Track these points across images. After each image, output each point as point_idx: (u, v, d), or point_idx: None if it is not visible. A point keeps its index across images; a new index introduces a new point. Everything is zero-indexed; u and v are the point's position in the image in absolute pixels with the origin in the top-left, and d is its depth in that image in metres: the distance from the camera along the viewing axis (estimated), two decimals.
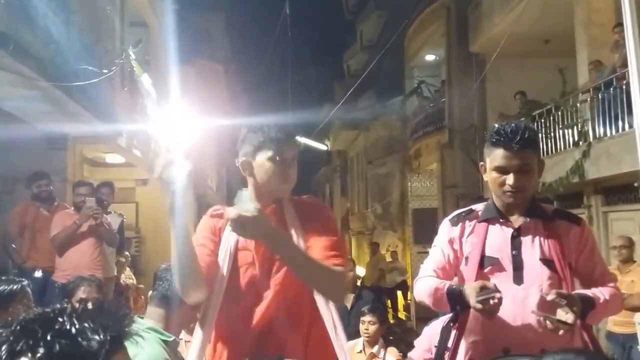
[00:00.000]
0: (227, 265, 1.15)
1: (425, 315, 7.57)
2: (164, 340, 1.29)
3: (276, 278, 1.14)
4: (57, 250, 3.03)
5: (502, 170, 1.23)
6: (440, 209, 8.67)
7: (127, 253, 5.03)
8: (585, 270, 1.25)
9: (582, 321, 1.20)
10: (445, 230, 1.34)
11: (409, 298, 9.47)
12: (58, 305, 0.55)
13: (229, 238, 1.18)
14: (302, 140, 1.25)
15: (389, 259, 9.58)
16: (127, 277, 4.71)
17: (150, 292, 1.49)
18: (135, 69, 4.90)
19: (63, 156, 4.32)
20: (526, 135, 1.22)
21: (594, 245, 1.28)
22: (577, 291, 1.21)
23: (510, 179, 1.22)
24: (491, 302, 1.13)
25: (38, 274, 3.09)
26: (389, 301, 9.13)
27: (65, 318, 0.51)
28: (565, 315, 1.11)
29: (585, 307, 1.16)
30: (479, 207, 1.34)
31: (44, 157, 4.07)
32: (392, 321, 9.05)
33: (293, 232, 1.17)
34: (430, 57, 10.77)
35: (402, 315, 9.75)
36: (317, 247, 1.14)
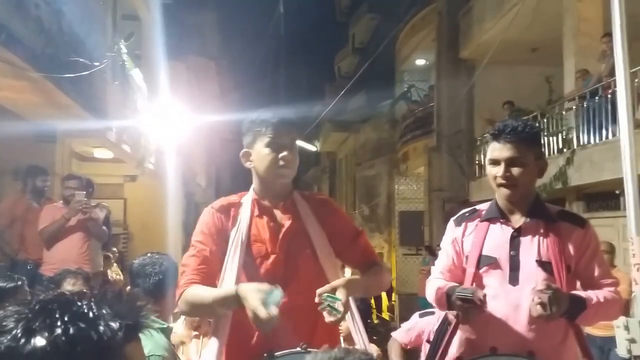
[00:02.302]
0: (239, 260, 1.14)
1: (408, 316, 7.62)
2: (159, 328, 1.34)
3: (290, 268, 1.16)
4: (45, 243, 3.00)
5: (495, 162, 1.25)
6: (426, 212, 8.80)
7: (114, 249, 4.94)
8: (585, 273, 1.24)
9: (573, 321, 1.20)
10: (450, 231, 1.35)
11: (393, 299, 9.58)
12: (78, 291, 0.55)
13: (240, 230, 1.17)
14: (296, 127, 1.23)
15: None
16: (114, 272, 4.64)
17: (129, 288, 1.50)
18: (127, 62, 4.83)
19: (51, 150, 4.23)
20: (520, 129, 1.23)
21: (596, 248, 1.26)
22: (572, 292, 1.20)
23: (500, 169, 1.23)
24: (469, 299, 1.16)
25: (29, 266, 3.04)
26: (373, 301, 9.22)
27: (84, 302, 0.51)
28: (537, 306, 1.11)
29: (576, 308, 1.16)
30: (483, 206, 1.34)
31: (31, 150, 3.98)
32: (376, 321, 9.15)
33: (309, 225, 1.20)
34: (420, 62, 10.92)
35: (385, 315, 9.86)
36: (355, 249, 1.23)
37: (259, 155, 1.18)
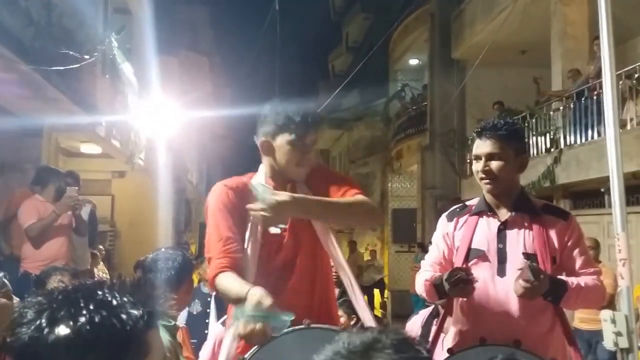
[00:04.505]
0: (259, 243, 1.15)
1: (401, 312, 7.79)
2: (163, 325, 1.31)
3: (297, 249, 1.18)
4: (34, 241, 2.87)
5: (477, 157, 1.31)
6: (419, 209, 8.87)
7: (101, 247, 4.88)
8: (568, 264, 1.29)
9: (557, 304, 1.24)
10: (441, 225, 1.39)
11: (385, 296, 9.66)
12: (97, 279, 0.56)
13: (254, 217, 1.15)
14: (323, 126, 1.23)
15: (368, 257, 9.73)
16: (101, 271, 4.58)
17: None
18: (117, 56, 4.76)
19: (38, 144, 4.15)
20: (498, 126, 1.29)
21: (578, 239, 1.30)
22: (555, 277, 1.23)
23: (480, 164, 1.30)
24: (458, 279, 1.20)
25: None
26: (366, 298, 9.23)
27: (106, 291, 0.51)
28: (520, 282, 1.17)
29: (557, 289, 1.20)
30: (473, 202, 1.39)
31: (17, 144, 3.89)
32: None
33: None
34: (413, 61, 11.00)
35: (378, 312, 9.92)
36: (333, 192, 1.21)
37: (281, 150, 1.19)
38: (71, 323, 0.48)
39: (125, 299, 0.51)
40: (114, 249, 6.03)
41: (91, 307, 0.49)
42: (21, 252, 2.93)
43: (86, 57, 3.65)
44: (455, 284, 1.21)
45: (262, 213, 1.05)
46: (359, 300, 1.21)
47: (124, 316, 0.49)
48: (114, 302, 0.50)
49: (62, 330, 0.48)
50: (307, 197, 1.14)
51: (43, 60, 3.05)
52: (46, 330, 0.48)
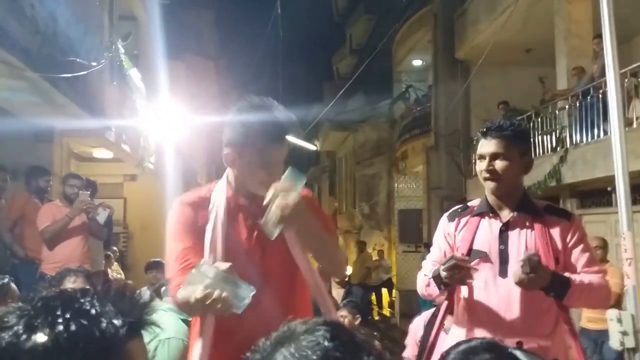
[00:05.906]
0: (219, 260, 1.08)
1: (409, 312, 7.76)
2: (183, 319, 1.39)
3: (267, 267, 1.13)
4: (47, 242, 2.97)
5: (481, 157, 1.32)
6: (425, 209, 8.85)
7: (115, 248, 4.97)
8: (572, 263, 1.28)
9: (561, 301, 1.24)
10: (442, 225, 1.40)
11: (393, 295, 9.65)
12: (82, 288, 0.57)
13: (217, 229, 1.11)
14: (292, 139, 1.14)
15: (375, 257, 9.76)
16: (115, 271, 4.67)
17: (163, 289, 1.53)
18: (124, 62, 4.84)
19: (49, 149, 4.24)
20: (504, 126, 1.29)
21: (582, 239, 1.29)
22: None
23: (484, 164, 1.30)
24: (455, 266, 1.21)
25: (35, 266, 3.03)
26: (374, 298, 9.28)
27: (86, 299, 0.51)
28: (516, 270, 1.17)
29: (560, 286, 1.18)
30: (475, 203, 1.39)
31: (29, 150, 3.98)
32: (377, 318, 9.22)
33: None
34: (417, 62, 10.99)
35: (386, 312, 9.93)
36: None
37: (249, 163, 1.10)
38: (48, 330, 0.48)
39: (106, 308, 0.51)
40: (127, 250, 6.13)
41: (68, 315, 0.49)
42: (40, 254, 3.03)
43: (93, 64, 3.72)
44: (451, 269, 1.21)
45: (283, 207, 0.97)
46: (326, 302, 1.18)
47: (103, 325, 0.49)
48: (93, 311, 0.50)
49: (39, 337, 0.47)
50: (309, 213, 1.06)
51: (51, 68, 3.11)
52: (23, 336, 0.47)
